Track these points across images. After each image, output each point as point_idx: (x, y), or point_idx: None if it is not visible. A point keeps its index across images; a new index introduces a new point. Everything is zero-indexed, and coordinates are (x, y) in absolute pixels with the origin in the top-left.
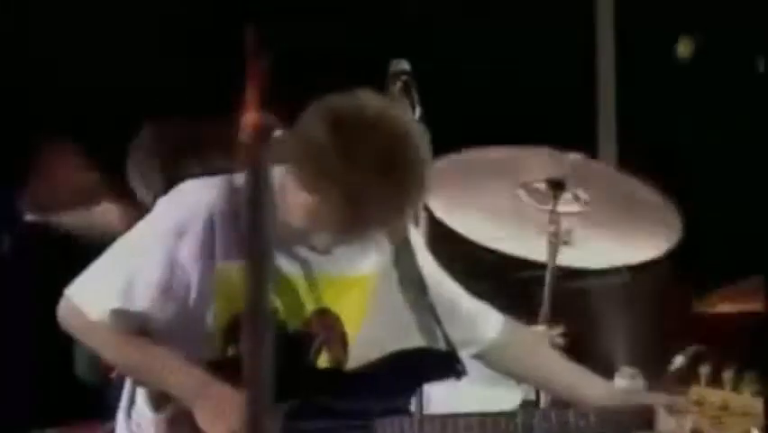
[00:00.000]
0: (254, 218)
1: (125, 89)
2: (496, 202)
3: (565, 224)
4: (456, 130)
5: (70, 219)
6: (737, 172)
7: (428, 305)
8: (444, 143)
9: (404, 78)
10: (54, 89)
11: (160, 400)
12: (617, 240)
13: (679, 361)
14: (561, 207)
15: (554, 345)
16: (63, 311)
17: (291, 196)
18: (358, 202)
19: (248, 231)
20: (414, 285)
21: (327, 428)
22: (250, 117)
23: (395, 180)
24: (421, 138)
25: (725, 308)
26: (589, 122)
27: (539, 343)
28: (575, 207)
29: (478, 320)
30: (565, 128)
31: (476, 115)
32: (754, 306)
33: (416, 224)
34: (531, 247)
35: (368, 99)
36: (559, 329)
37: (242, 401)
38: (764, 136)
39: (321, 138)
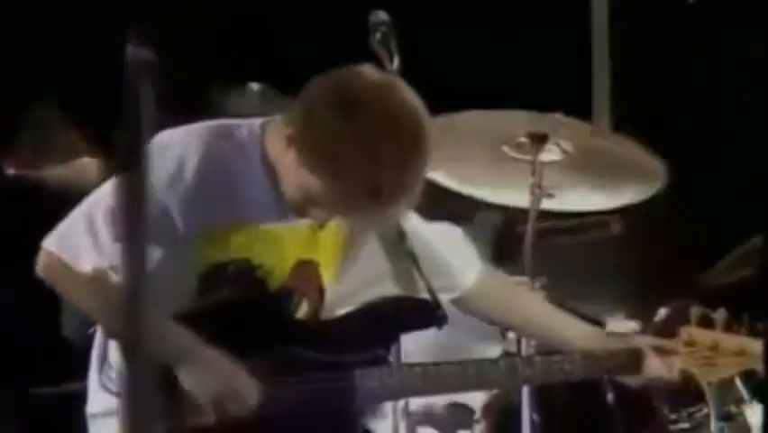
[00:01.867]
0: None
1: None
2: (479, 160)
3: (549, 178)
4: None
5: (51, 174)
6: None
7: (407, 252)
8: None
9: (383, 28)
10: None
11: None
12: (598, 187)
13: (663, 312)
14: (543, 157)
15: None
16: (44, 264)
17: (289, 168)
18: (371, 192)
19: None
20: (392, 233)
21: (306, 380)
22: (133, 51)
23: (414, 162)
24: (430, 122)
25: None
26: (583, 84)
27: (520, 287)
28: (557, 157)
29: (456, 265)
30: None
31: (460, 73)
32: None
33: None
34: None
35: (375, 76)
36: (541, 281)
37: (228, 365)
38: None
39: (338, 125)
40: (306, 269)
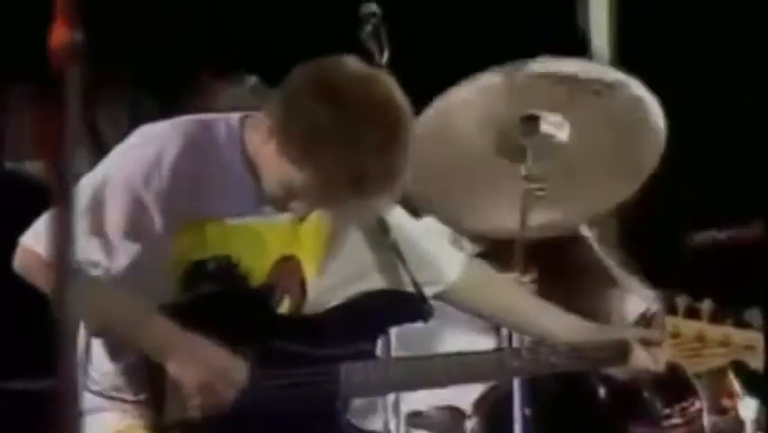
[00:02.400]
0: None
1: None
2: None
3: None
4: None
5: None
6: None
7: (391, 244)
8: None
9: (373, 20)
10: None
11: (117, 349)
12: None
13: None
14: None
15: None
16: (20, 260)
17: (270, 161)
18: (352, 182)
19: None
20: (375, 226)
21: (290, 375)
22: (58, 33)
23: (397, 153)
24: (412, 113)
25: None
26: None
27: (504, 281)
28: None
29: (440, 259)
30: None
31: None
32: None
33: None
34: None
35: (357, 68)
36: (531, 275)
37: (213, 349)
38: None
39: (320, 115)
40: (288, 265)
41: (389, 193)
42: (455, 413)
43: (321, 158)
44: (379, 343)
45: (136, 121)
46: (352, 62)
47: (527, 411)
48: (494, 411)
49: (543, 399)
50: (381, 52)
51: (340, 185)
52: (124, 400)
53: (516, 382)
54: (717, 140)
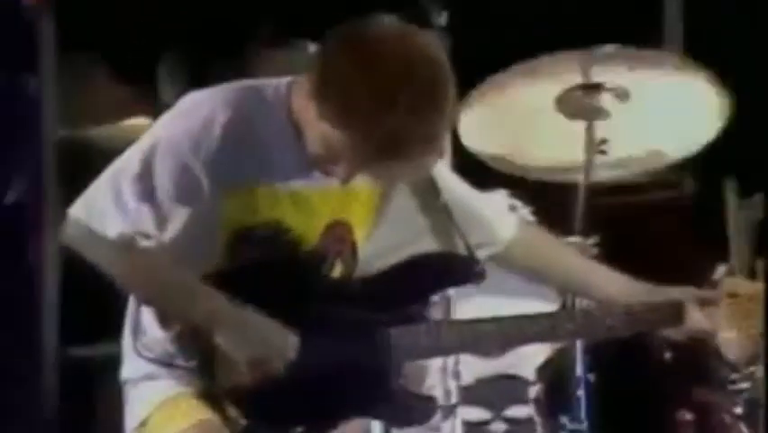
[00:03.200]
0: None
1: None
2: (531, 122)
3: (603, 132)
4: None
5: (101, 133)
6: None
7: (443, 207)
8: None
9: None
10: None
11: (167, 318)
12: (664, 132)
13: (721, 270)
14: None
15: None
16: (70, 231)
17: (309, 122)
18: (389, 142)
19: None
20: (426, 189)
21: (342, 339)
22: None
23: (432, 114)
24: (451, 72)
25: None
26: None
27: (557, 242)
28: (616, 105)
29: (493, 220)
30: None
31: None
32: None
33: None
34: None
35: (395, 28)
36: (593, 240)
37: (265, 324)
38: None
39: (355, 75)
40: (339, 229)
41: (429, 153)
42: (517, 381)
43: (356, 118)
44: (440, 307)
45: (196, 84)
46: (388, 21)
47: (591, 377)
48: (558, 377)
49: (606, 364)
50: (439, 13)
51: (377, 145)
52: (176, 367)
53: (579, 348)
54: None
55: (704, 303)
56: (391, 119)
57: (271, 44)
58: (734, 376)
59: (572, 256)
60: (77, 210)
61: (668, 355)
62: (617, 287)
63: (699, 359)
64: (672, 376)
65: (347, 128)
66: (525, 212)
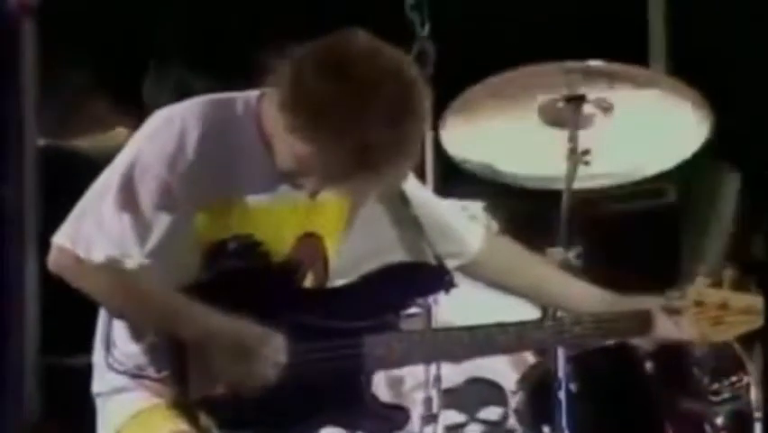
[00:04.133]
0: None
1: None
2: (514, 131)
3: (585, 143)
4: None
5: (83, 144)
6: None
7: (412, 218)
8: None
9: None
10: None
11: (139, 329)
12: (645, 146)
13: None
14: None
15: (570, 267)
16: (56, 260)
17: (279, 134)
18: (358, 156)
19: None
20: (395, 200)
21: (315, 348)
22: None
23: (403, 127)
24: (424, 86)
25: None
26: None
27: (525, 253)
28: (599, 116)
29: (461, 231)
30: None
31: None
32: None
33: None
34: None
35: (365, 41)
36: (575, 251)
37: (259, 339)
38: None
39: (325, 89)
40: (310, 241)
41: (398, 167)
42: (486, 386)
43: (325, 132)
44: (423, 315)
45: (181, 96)
46: (360, 36)
47: (573, 387)
48: (539, 387)
49: (588, 374)
50: (423, 25)
51: (345, 159)
52: (148, 378)
53: (561, 358)
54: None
55: (671, 312)
56: (360, 133)
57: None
58: (715, 386)
59: (541, 267)
60: (62, 239)
61: (649, 365)
62: (586, 297)
63: (680, 369)
64: (654, 386)
65: (316, 142)
66: (493, 223)
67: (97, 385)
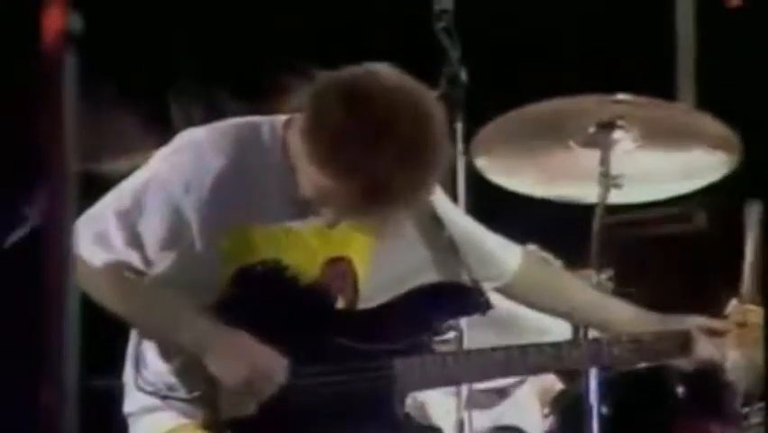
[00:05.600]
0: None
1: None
2: (547, 156)
3: (617, 168)
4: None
5: (113, 167)
6: None
7: (446, 240)
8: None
9: (447, 17)
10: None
11: (169, 350)
12: (672, 170)
13: (734, 303)
14: (613, 147)
15: (603, 289)
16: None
17: (301, 163)
18: (376, 188)
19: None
20: (428, 221)
21: (346, 370)
22: (53, 18)
23: (418, 165)
24: (443, 117)
25: None
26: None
27: (563, 273)
28: (628, 146)
29: (498, 252)
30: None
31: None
32: None
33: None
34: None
35: (388, 76)
36: (607, 273)
37: (251, 344)
38: None
39: (341, 121)
40: (339, 265)
41: (413, 201)
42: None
43: (340, 166)
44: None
45: (211, 118)
46: (384, 70)
47: (605, 410)
48: (571, 409)
49: (620, 397)
50: (455, 48)
51: (362, 192)
52: (178, 399)
53: (593, 381)
54: None
55: (713, 333)
56: (376, 167)
57: (292, 77)
58: (746, 410)
59: (579, 287)
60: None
61: (681, 390)
62: (626, 317)
63: (712, 393)
64: (685, 410)
65: (333, 173)
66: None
67: (128, 405)
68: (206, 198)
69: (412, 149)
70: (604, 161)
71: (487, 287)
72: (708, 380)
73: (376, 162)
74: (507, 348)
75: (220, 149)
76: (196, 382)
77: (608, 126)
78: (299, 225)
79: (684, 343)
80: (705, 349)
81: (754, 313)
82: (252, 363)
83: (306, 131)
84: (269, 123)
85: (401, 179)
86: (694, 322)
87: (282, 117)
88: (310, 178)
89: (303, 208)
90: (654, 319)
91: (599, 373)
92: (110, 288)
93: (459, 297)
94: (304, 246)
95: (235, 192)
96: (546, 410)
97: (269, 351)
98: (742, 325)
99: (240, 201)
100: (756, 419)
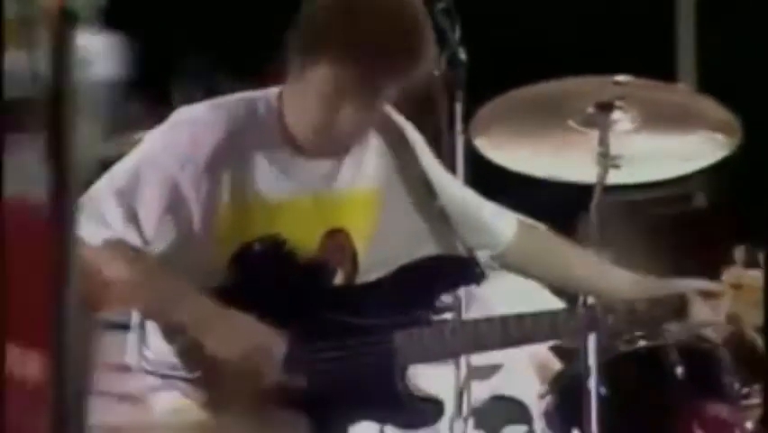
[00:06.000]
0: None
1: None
2: (546, 135)
3: (615, 148)
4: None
5: (113, 149)
6: None
7: (439, 209)
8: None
9: None
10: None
11: (172, 330)
12: (671, 152)
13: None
14: (612, 128)
15: None
16: None
17: (293, 108)
18: (366, 56)
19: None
20: (422, 191)
21: (346, 346)
22: None
23: (402, 31)
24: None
25: None
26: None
27: (559, 240)
28: (627, 127)
29: (492, 221)
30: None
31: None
32: None
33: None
34: (583, 174)
35: None
36: (606, 253)
37: (247, 321)
38: None
39: (322, 6)
40: (337, 238)
41: (414, 66)
42: (510, 404)
43: (327, 39)
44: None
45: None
46: None
47: (603, 390)
48: (569, 390)
49: (618, 378)
50: (454, 29)
51: (350, 63)
52: (181, 379)
53: (591, 360)
54: None
55: (707, 295)
56: (370, 32)
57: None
58: (745, 390)
59: (573, 252)
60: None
61: (680, 370)
62: (619, 282)
63: (711, 373)
64: (684, 390)
65: (334, 60)
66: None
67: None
68: (201, 175)
69: (392, 18)
70: (603, 142)
71: (481, 255)
72: (707, 360)
73: (357, 27)
74: (504, 318)
75: (215, 124)
76: (198, 363)
77: (607, 107)
78: (299, 197)
79: (680, 307)
80: (701, 312)
81: (748, 276)
82: (250, 340)
83: (305, 36)
84: (263, 95)
85: (387, 46)
86: (690, 285)
87: (275, 89)
88: (308, 103)
89: (304, 178)
90: (650, 282)
91: (598, 354)
92: (110, 266)
93: (454, 269)
94: (302, 218)
95: (230, 168)
96: (544, 390)
97: (266, 328)
98: (736, 286)
99: (235, 177)
100: (756, 400)
